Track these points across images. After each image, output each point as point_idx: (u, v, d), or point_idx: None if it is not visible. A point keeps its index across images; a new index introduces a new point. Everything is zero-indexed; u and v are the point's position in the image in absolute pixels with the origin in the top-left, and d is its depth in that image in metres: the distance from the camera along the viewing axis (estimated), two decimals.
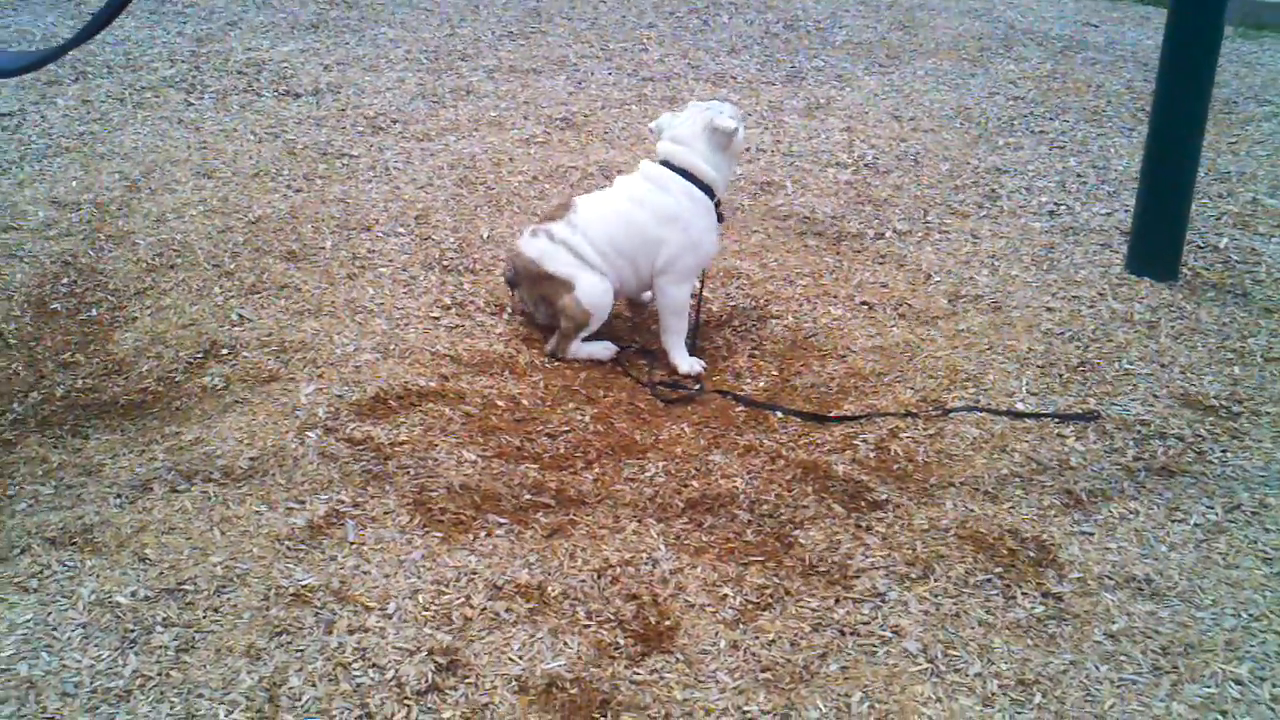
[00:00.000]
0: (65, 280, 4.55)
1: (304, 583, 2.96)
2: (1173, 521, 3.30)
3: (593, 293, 4.10)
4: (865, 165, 5.93)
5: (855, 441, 3.69)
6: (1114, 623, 2.91)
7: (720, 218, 4.19)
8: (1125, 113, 6.70)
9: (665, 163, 4.15)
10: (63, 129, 6.04)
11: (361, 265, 4.72)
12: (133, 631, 2.79)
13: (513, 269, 4.22)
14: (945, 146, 6.18)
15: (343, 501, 3.29)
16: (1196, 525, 3.28)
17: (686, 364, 4.16)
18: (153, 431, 3.67)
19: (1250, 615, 2.94)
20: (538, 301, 4.22)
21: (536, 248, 4.14)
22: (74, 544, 3.11)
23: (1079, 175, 5.82)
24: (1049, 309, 4.48)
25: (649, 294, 4.37)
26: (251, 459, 3.47)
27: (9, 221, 4.98)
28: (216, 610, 2.87)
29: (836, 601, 2.98)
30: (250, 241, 4.86)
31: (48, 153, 5.73)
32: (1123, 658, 2.80)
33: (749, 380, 4.11)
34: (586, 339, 4.19)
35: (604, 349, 4.21)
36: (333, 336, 4.16)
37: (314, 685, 2.65)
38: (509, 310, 4.44)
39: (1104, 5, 9.36)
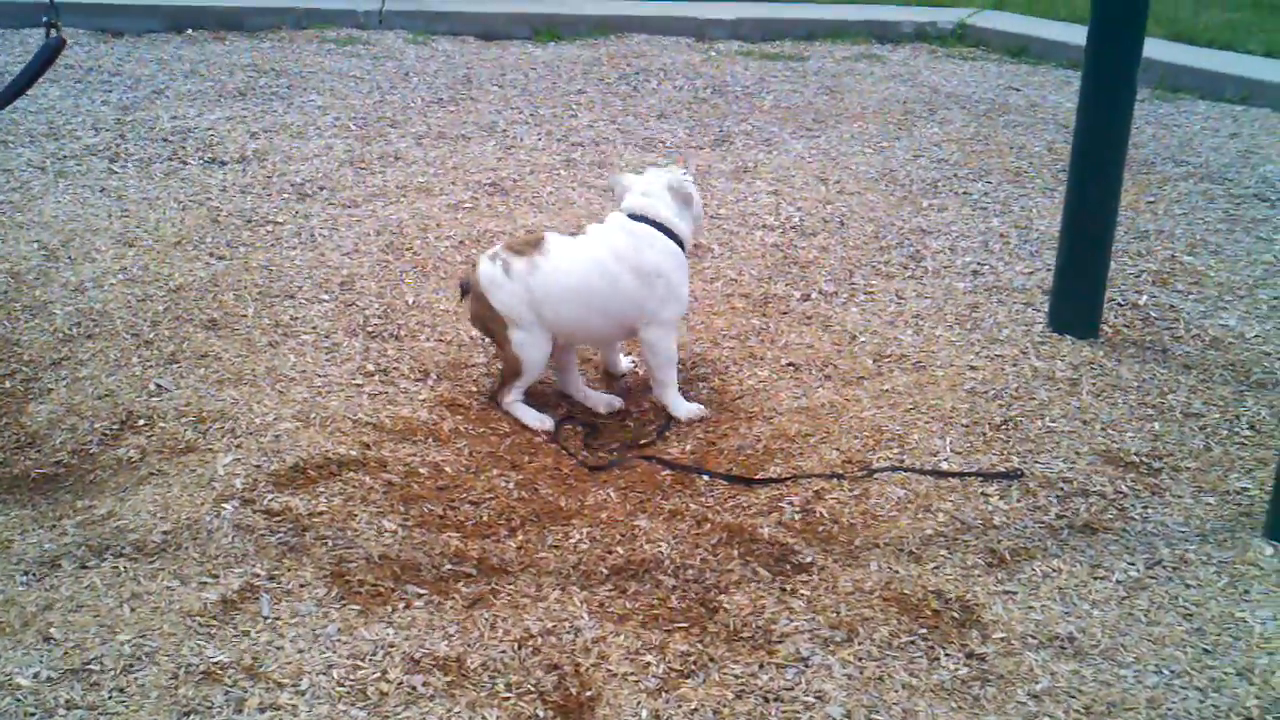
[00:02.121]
0: None
1: (215, 660, 2.88)
2: (1095, 579, 3.30)
3: (527, 345, 4.09)
4: (792, 227, 5.97)
5: (781, 504, 3.67)
6: (1037, 683, 2.89)
7: None
8: (1047, 173, 6.81)
9: (637, 216, 4.16)
10: None
11: (284, 333, 4.66)
12: (34, 714, 2.70)
13: (465, 281, 4.22)
14: (871, 208, 6.24)
15: (258, 575, 3.22)
16: (1119, 582, 3.29)
17: (685, 411, 4.23)
18: (64, 506, 3.58)
19: (1172, 672, 2.94)
20: (476, 319, 4.23)
21: (489, 275, 4.11)
22: None
23: (1002, 235, 5.89)
24: (972, 368, 4.51)
25: (624, 362, 4.47)
26: (165, 533, 3.39)
27: None
28: (123, 691, 2.78)
29: (760, 667, 2.95)
30: (171, 310, 4.80)
31: None
32: (1046, 718, 2.78)
33: (675, 443, 4.09)
34: (526, 401, 4.20)
35: (537, 421, 4.17)
36: (252, 405, 4.10)
37: None
38: (433, 375, 4.40)
39: (1025, 69, 9.54)
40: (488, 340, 4.36)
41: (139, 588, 3.15)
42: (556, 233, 4.25)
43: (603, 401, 4.36)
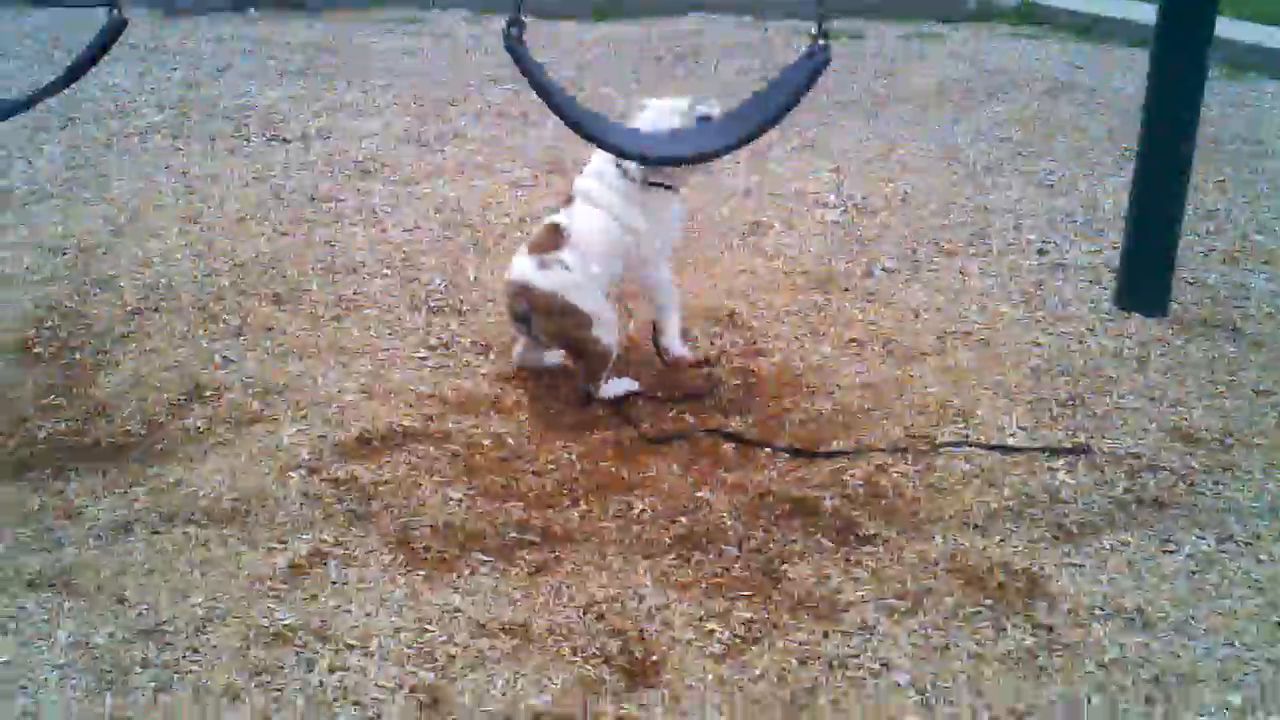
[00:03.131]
0: (49, 324, 4.52)
1: (285, 622, 2.92)
2: (1164, 553, 3.26)
3: (608, 330, 4.02)
4: (853, 205, 5.94)
5: (844, 477, 3.65)
6: (1105, 653, 2.86)
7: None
8: (1113, 153, 6.73)
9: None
10: (49, 175, 6.03)
11: (347, 307, 4.70)
12: (110, 673, 2.75)
13: (525, 304, 4.02)
14: (933, 187, 6.19)
15: (325, 541, 3.25)
16: (1188, 556, 3.25)
17: (677, 348, 4.25)
18: (134, 473, 3.63)
19: (1243, 645, 2.90)
20: (553, 337, 4.06)
21: (555, 280, 3.96)
22: (52, 586, 3.06)
23: (1067, 214, 5.82)
24: (1038, 344, 4.47)
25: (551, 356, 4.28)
26: (233, 500, 3.43)
27: None
28: (195, 651, 2.82)
29: (825, 635, 2.94)
30: (236, 285, 4.85)
31: (32, 199, 5.72)
32: (1115, 688, 2.75)
33: (738, 417, 4.08)
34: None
35: (629, 384, 4.16)
36: (317, 378, 4.14)
37: None
38: (495, 350, 4.42)
39: (1089, 48, 9.42)
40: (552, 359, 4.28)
41: (209, 553, 3.20)
42: (553, 213, 4.19)
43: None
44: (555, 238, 4.04)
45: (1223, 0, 4.39)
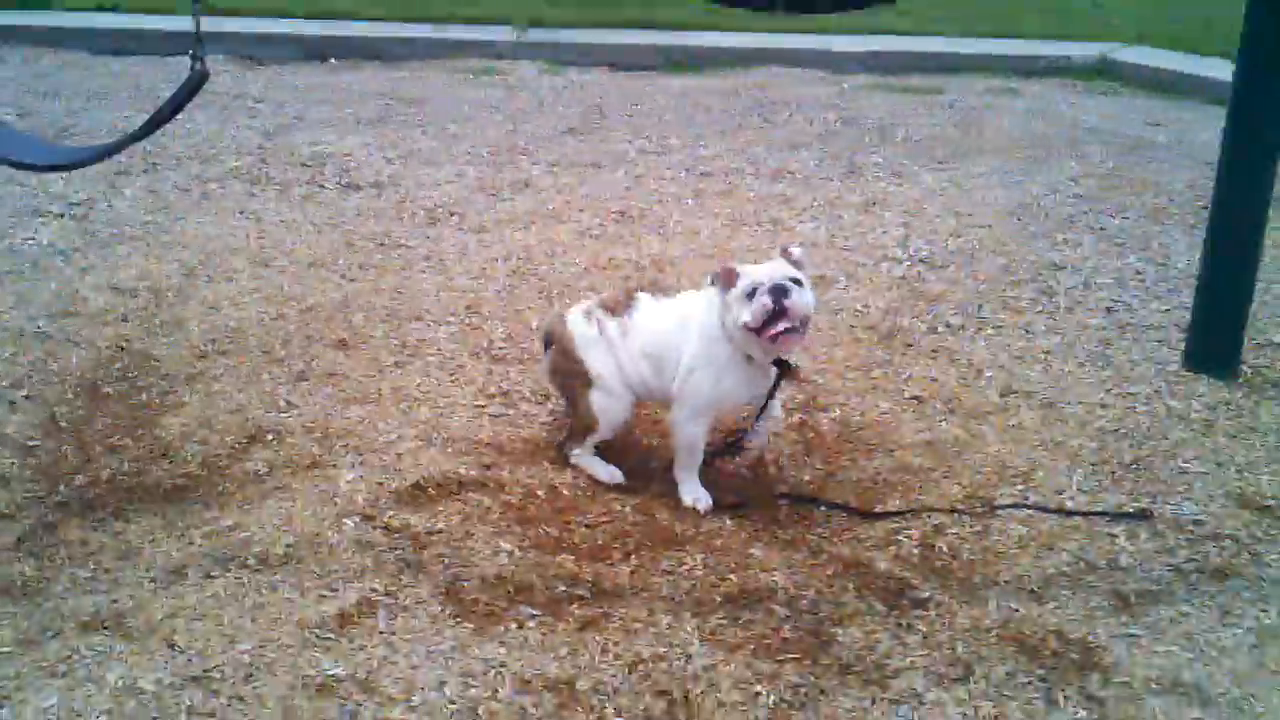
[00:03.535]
0: (118, 364, 4.61)
1: (331, 672, 2.94)
2: (1224, 625, 3.19)
3: (607, 404, 3.92)
4: (920, 260, 5.90)
5: (899, 537, 3.62)
6: None
7: (784, 371, 3.82)
8: (1188, 211, 6.62)
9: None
10: (129, 217, 6.17)
11: (410, 354, 4.75)
12: (156, 719, 2.77)
13: (550, 334, 4.07)
14: (1002, 242, 6.13)
15: (375, 590, 3.28)
16: (1249, 629, 3.17)
17: (690, 496, 3.87)
18: (192, 516, 3.68)
19: None
20: (554, 374, 4.08)
21: (581, 330, 3.96)
22: (105, 629, 3.11)
23: (1138, 272, 5.74)
24: (1103, 406, 4.40)
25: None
26: (288, 546, 3.47)
27: (68, 306, 5.07)
28: (241, 699, 2.85)
29: (873, 702, 2.91)
30: (301, 329, 4.92)
31: (112, 240, 5.85)
32: None
33: (794, 473, 4.06)
34: (598, 451, 4.01)
35: (607, 474, 3.98)
36: (377, 424, 4.18)
37: None
38: (554, 400, 4.43)
39: (1169, 104, 9.30)
40: (556, 396, 4.23)
41: (260, 599, 3.23)
42: (648, 294, 4.06)
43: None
44: (621, 305, 3.98)
45: None
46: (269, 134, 7.73)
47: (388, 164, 7.23)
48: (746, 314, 3.59)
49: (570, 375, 3.99)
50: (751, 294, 3.60)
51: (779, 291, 3.56)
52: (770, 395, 3.84)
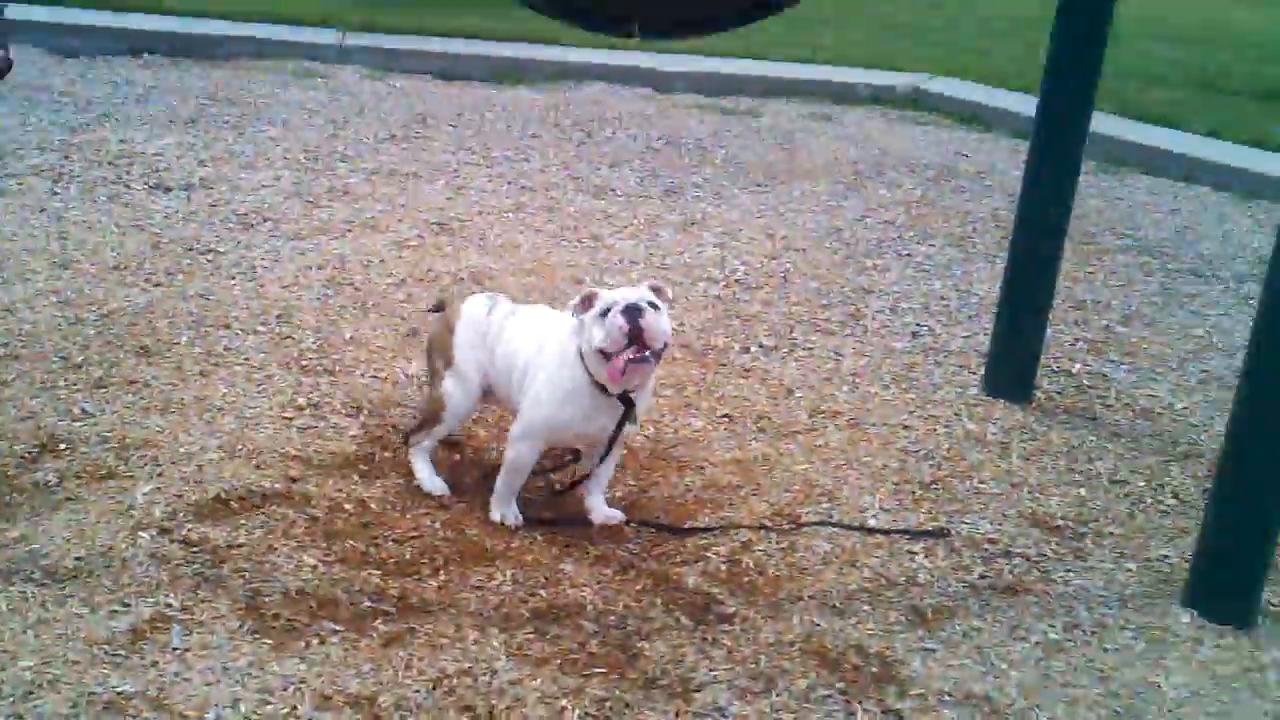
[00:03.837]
0: None
1: (119, 689, 2.83)
2: (1014, 639, 3.31)
3: (459, 393, 3.86)
4: (736, 281, 6.00)
5: (708, 554, 3.66)
6: None
7: (629, 409, 3.62)
8: (990, 239, 6.89)
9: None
10: None
11: (216, 362, 4.61)
12: None
13: (441, 302, 4.06)
14: (815, 265, 6.28)
15: (170, 605, 3.16)
16: (1037, 643, 3.30)
17: (499, 514, 3.80)
18: None
19: None
20: (429, 344, 4.02)
21: (469, 311, 3.88)
22: None
23: (942, 298, 5.94)
24: (906, 427, 4.53)
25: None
26: (78, 559, 3.33)
27: None
28: (20, 717, 2.72)
29: (677, 715, 2.93)
30: (102, 335, 4.74)
31: None
32: None
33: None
34: (431, 456, 3.96)
35: (430, 483, 3.91)
36: (178, 434, 4.05)
37: None
38: (365, 412, 4.36)
39: (975, 136, 9.67)
40: (424, 375, 4.22)
41: (45, 614, 3.09)
42: (548, 307, 4.00)
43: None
44: (516, 305, 3.95)
45: (1099, 95, 4.52)
46: (74, 130, 7.44)
47: (200, 165, 7.03)
48: (600, 334, 3.44)
49: (439, 352, 3.93)
50: (605, 314, 3.45)
51: (634, 311, 3.40)
52: (614, 436, 3.68)
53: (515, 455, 3.74)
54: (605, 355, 3.45)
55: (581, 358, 3.58)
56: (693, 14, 3.79)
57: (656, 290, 3.61)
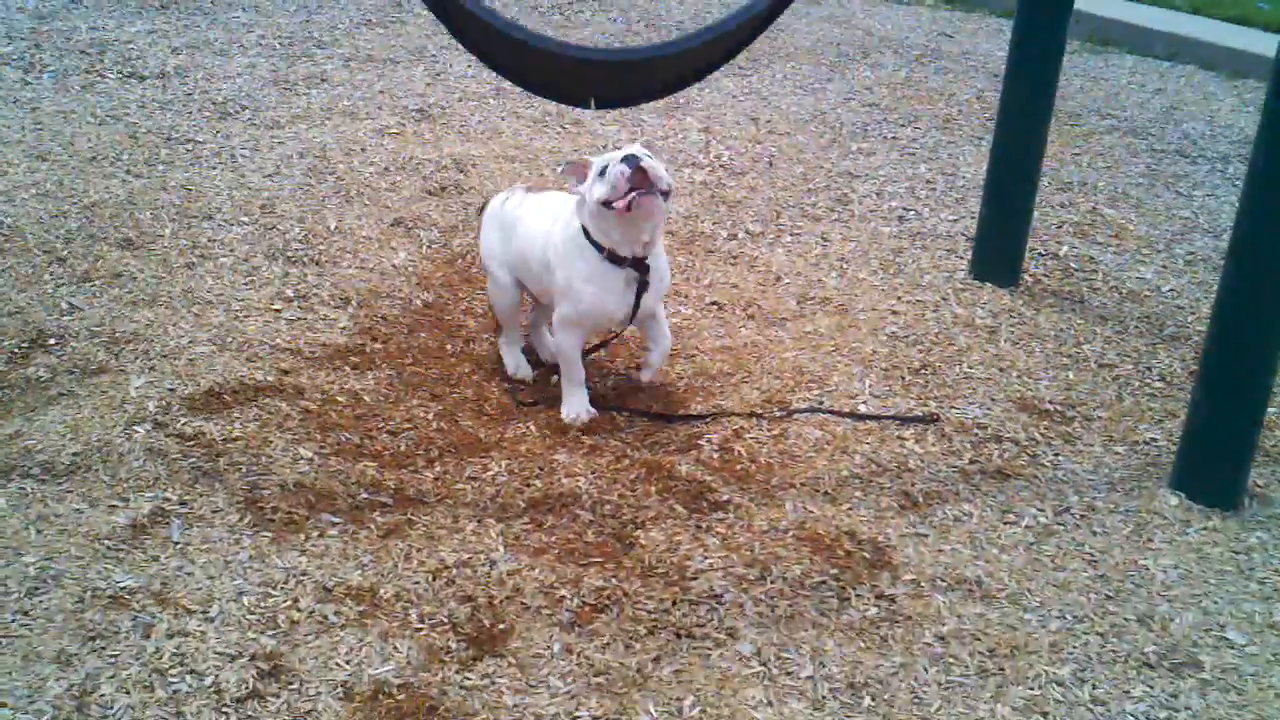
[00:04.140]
0: None
1: (123, 584, 2.85)
2: (1005, 524, 3.36)
3: (493, 292, 4.00)
4: (721, 166, 5.95)
5: (700, 442, 3.68)
6: (944, 624, 2.94)
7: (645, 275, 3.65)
8: (975, 121, 6.84)
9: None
10: None
11: (201, 254, 4.58)
12: None
13: (484, 205, 4.12)
14: (800, 149, 6.23)
15: (169, 499, 3.18)
16: (1027, 528, 3.35)
17: (570, 410, 3.81)
18: None
19: (1074, 617, 3.00)
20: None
21: (490, 207, 4.04)
22: None
23: (928, 182, 5.92)
24: (894, 312, 4.54)
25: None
26: (74, 454, 3.33)
27: None
28: (26, 614, 2.74)
29: (674, 603, 2.97)
30: (85, 228, 4.69)
31: None
32: (950, 660, 2.83)
33: (597, 380, 4.08)
34: (513, 340, 4.05)
35: (514, 366, 4.02)
36: (167, 328, 4.03)
37: (127, 693, 2.55)
38: (354, 303, 4.35)
39: (959, 16, 9.55)
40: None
41: (46, 509, 3.10)
42: (559, 190, 3.93)
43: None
44: (521, 192, 4.00)
45: None
46: (43, 17, 7.27)
47: (173, 53, 6.89)
48: (603, 189, 3.44)
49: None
50: (603, 172, 3.45)
51: (633, 159, 3.40)
52: (635, 308, 3.67)
53: (558, 346, 3.81)
54: (609, 206, 3.45)
55: (587, 235, 3.59)
56: (634, 91, 3.93)
57: (648, 146, 3.61)
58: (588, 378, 3.83)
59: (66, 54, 6.67)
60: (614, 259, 3.59)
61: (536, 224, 3.82)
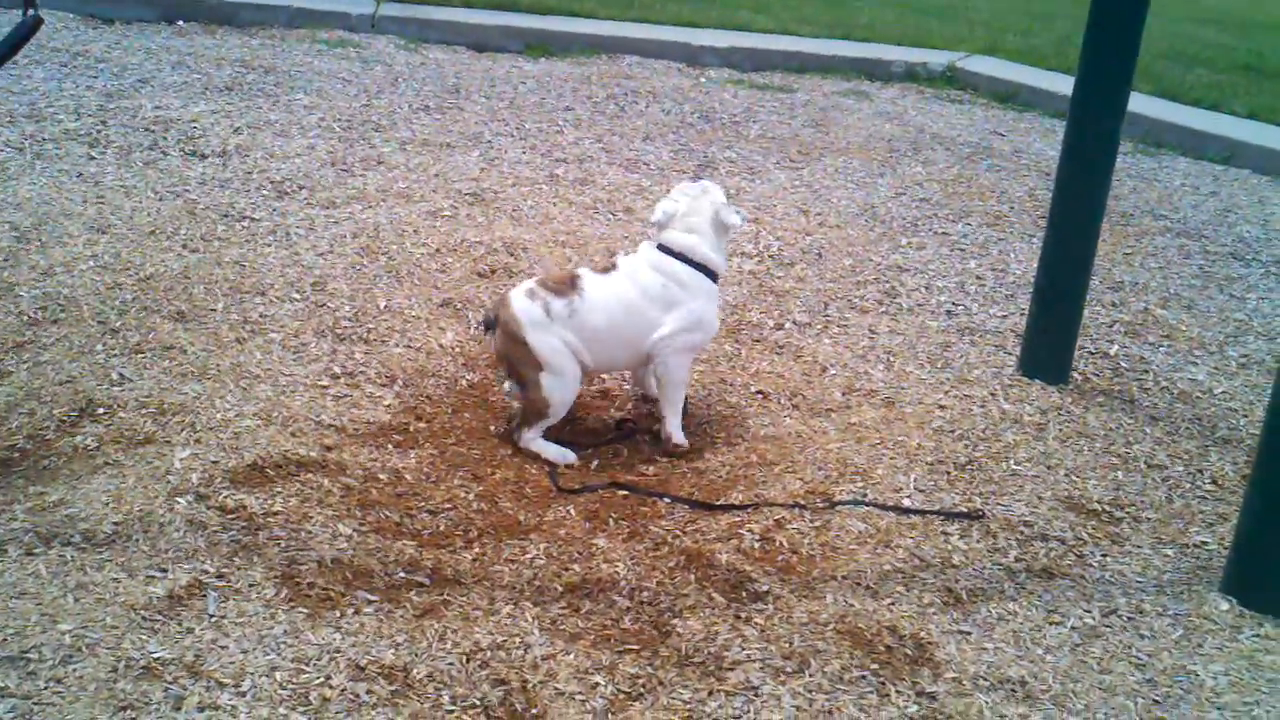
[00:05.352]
0: None
1: (156, 655, 2.84)
2: (1050, 624, 3.29)
3: (559, 387, 3.99)
4: (770, 256, 5.97)
5: (741, 531, 3.65)
6: None
7: None
8: (1027, 219, 6.83)
9: (664, 248, 4.12)
10: None
11: (252, 329, 4.62)
12: None
13: (494, 315, 4.06)
14: (850, 242, 6.24)
15: (207, 571, 3.18)
16: (1073, 628, 3.28)
17: (680, 435, 4.16)
18: (16, 490, 3.53)
19: None
20: (502, 359, 4.10)
21: (527, 313, 3.98)
22: None
23: (978, 277, 5.90)
24: (941, 406, 4.50)
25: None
26: (116, 524, 3.35)
27: None
28: (59, 681, 2.74)
29: (710, 694, 2.92)
30: (139, 300, 4.75)
31: None
32: None
33: (640, 465, 4.06)
34: (547, 435, 4.08)
35: (560, 455, 4.05)
36: (214, 401, 4.06)
37: None
38: (400, 381, 4.37)
39: (1012, 115, 9.58)
40: (505, 376, 4.19)
41: (84, 578, 3.11)
42: (589, 269, 4.15)
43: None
44: (564, 286, 4.05)
45: (1139, 76, 4.46)
46: (111, 95, 7.45)
47: (235, 133, 7.02)
48: (736, 216, 4.21)
49: (520, 360, 4.00)
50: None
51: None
52: None
53: (676, 373, 4.12)
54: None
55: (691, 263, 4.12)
56: None
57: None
58: (626, 470, 3.82)
59: (131, 131, 6.82)
60: (715, 279, 4.17)
61: (616, 289, 4.05)
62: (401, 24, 10.29)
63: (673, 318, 4.05)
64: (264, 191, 6.16)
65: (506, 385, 4.20)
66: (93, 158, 6.38)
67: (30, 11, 3.68)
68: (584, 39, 10.44)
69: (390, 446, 3.96)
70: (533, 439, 4.06)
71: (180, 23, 9.73)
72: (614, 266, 4.14)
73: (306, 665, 2.87)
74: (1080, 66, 4.57)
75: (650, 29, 10.78)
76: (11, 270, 4.91)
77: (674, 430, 4.16)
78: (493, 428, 4.18)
